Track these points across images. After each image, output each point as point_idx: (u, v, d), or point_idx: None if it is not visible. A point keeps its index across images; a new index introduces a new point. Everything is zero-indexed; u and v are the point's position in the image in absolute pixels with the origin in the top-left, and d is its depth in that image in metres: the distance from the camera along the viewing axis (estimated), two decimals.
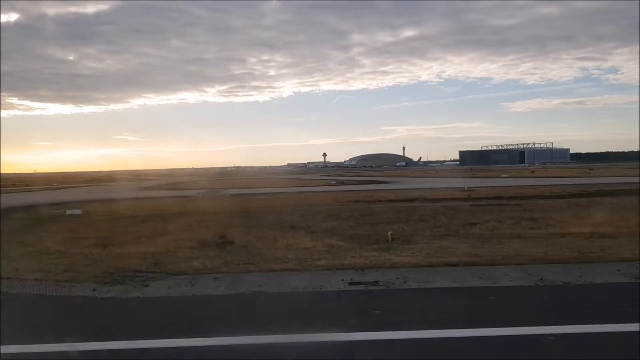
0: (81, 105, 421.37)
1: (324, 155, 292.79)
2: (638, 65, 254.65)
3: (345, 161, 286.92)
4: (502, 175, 72.01)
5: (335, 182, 62.47)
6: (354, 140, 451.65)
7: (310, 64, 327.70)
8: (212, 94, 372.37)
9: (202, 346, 6.12)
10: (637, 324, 6.35)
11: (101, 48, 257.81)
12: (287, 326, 6.88)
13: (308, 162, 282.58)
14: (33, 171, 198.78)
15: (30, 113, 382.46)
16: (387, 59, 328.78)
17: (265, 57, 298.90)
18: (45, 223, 22.14)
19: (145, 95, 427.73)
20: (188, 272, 10.78)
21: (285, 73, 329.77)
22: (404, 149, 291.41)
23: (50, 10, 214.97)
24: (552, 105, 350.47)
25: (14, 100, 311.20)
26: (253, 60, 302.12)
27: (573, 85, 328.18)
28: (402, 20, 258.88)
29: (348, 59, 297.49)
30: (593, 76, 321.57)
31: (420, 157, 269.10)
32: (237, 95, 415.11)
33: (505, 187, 43.09)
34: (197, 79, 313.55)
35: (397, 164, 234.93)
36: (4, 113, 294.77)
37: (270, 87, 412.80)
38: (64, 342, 6.22)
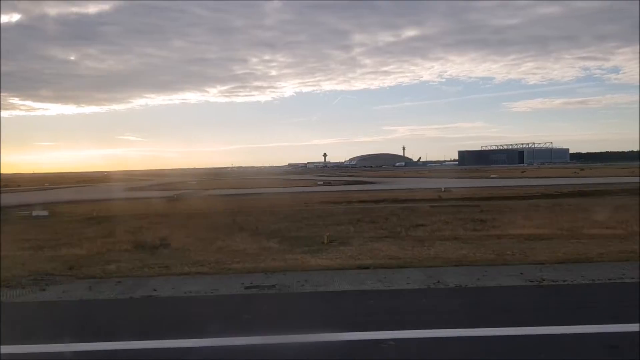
0: (83, 105, 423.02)
1: (324, 155, 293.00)
2: (639, 65, 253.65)
3: (345, 161, 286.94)
4: (491, 176, 71.82)
5: (322, 183, 62.49)
6: (356, 140, 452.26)
7: (311, 64, 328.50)
8: (213, 94, 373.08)
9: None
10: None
11: (103, 48, 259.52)
12: (149, 332, 6.85)
13: (308, 162, 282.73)
14: (32, 171, 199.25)
15: (32, 113, 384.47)
16: (389, 58, 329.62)
17: (266, 57, 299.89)
18: (4, 225, 22.18)
19: (147, 96, 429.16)
20: (97, 275, 10.78)
21: (286, 73, 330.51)
22: (403, 149, 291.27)
23: (52, 10, 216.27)
24: (554, 105, 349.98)
25: (15, 100, 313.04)
26: (254, 60, 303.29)
27: (575, 85, 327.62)
28: (403, 20, 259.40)
29: (349, 59, 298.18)
30: (595, 76, 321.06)
31: (420, 157, 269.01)
32: (239, 96, 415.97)
33: (485, 187, 43.00)
34: (198, 79, 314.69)
35: (397, 164, 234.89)
36: (6, 113, 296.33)
37: (272, 87, 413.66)
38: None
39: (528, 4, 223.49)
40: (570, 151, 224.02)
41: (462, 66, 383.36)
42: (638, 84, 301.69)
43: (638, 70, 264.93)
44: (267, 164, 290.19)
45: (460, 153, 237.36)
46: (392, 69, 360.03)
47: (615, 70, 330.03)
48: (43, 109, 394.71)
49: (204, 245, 14.76)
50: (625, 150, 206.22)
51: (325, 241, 14.81)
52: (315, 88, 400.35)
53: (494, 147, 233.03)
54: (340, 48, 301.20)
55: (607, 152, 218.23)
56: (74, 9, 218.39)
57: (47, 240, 16.56)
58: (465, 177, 73.10)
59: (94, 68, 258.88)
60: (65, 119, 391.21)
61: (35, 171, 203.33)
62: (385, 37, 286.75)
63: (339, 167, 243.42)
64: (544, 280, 9.27)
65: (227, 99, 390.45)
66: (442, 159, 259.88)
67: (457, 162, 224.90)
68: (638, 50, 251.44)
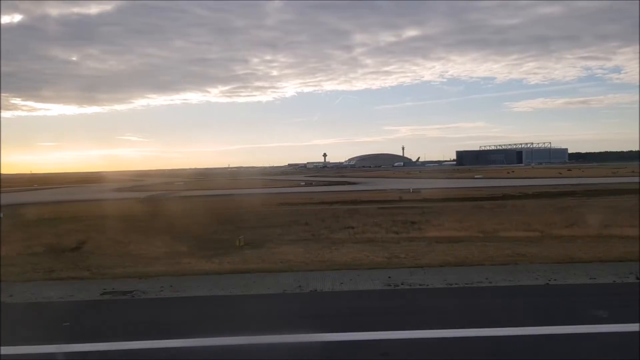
0: (84, 105, 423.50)
1: (324, 155, 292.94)
2: (638, 65, 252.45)
3: (344, 161, 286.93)
4: (476, 176, 71.51)
5: (304, 184, 62.45)
6: (357, 140, 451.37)
7: (312, 64, 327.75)
8: (215, 94, 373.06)
9: None
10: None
11: (104, 49, 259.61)
12: None
13: (308, 163, 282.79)
14: (29, 172, 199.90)
15: (33, 114, 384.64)
16: (390, 58, 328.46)
17: (267, 57, 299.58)
18: None
19: (148, 96, 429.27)
20: None
21: (287, 73, 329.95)
22: (403, 149, 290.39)
23: (53, 11, 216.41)
24: (556, 104, 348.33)
25: (17, 101, 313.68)
26: (256, 60, 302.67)
27: (576, 84, 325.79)
28: (403, 20, 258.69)
29: (351, 59, 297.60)
30: (596, 75, 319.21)
31: (418, 158, 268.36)
32: (240, 96, 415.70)
33: (455, 188, 42.89)
34: (200, 79, 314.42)
35: (395, 164, 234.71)
36: (8, 114, 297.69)
37: (273, 87, 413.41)
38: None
39: (529, 3, 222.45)
40: (571, 151, 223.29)
41: (463, 66, 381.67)
42: (638, 83, 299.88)
43: (639, 70, 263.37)
44: (267, 164, 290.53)
45: (459, 153, 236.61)
46: (394, 69, 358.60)
47: (617, 70, 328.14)
48: (45, 109, 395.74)
49: (114, 249, 14.75)
50: (625, 150, 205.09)
51: (238, 244, 14.80)
52: (316, 88, 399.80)
53: (493, 147, 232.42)
54: (341, 48, 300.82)
55: (606, 152, 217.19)
56: (75, 10, 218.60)
57: None
58: (450, 177, 72.88)
59: (95, 68, 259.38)
60: (66, 120, 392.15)
61: (33, 171, 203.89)
62: (387, 37, 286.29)
63: (338, 167, 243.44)
64: (397, 285, 9.23)
65: (228, 99, 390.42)
66: (442, 159, 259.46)
67: (455, 163, 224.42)
68: (638, 50, 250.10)
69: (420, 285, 9.20)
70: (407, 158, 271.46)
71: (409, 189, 38.00)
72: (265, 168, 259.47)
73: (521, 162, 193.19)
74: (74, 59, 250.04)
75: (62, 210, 29.04)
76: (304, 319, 7.46)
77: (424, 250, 12.90)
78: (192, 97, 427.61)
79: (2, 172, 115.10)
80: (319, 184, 63.72)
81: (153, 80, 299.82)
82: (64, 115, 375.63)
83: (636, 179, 46.85)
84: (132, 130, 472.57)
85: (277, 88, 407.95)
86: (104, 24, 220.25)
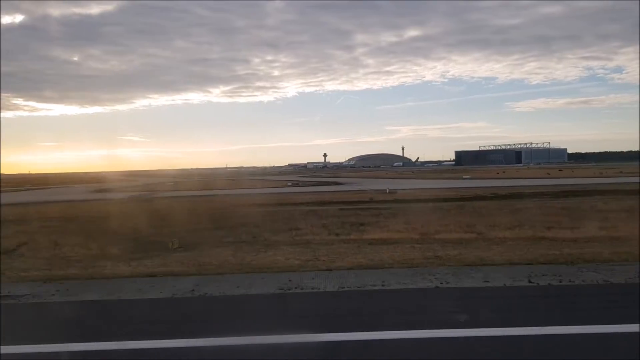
0: (86, 106, 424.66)
1: (324, 155, 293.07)
2: (638, 65, 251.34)
3: (344, 161, 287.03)
4: (464, 177, 71.26)
5: (290, 184, 62.39)
6: (358, 140, 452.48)
7: (314, 64, 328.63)
8: (216, 95, 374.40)
9: None
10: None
11: (105, 49, 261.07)
12: None
13: (308, 163, 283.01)
14: (27, 172, 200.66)
15: (35, 114, 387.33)
16: (391, 59, 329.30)
17: (269, 58, 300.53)
18: None
19: (150, 96, 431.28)
20: None
21: (289, 73, 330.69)
22: (403, 149, 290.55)
23: (55, 11, 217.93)
24: (557, 104, 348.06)
25: (19, 101, 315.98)
26: (257, 60, 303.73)
27: (578, 84, 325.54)
28: (405, 20, 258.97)
29: (352, 59, 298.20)
30: (598, 75, 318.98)
31: (418, 158, 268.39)
32: (242, 96, 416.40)
33: (433, 189, 42.70)
34: (201, 79, 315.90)
35: (395, 164, 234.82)
36: (10, 114, 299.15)
37: (275, 87, 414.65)
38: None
39: (530, 3, 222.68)
40: (572, 151, 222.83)
41: (464, 66, 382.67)
42: (638, 83, 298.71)
43: (638, 70, 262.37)
44: (268, 164, 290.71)
45: (458, 153, 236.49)
46: (395, 69, 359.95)
47: (619, 69, 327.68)
48: (46, 109, 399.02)
49: (46, 251, 14.68)
50: (625, 150, 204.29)
51: (171, 247, 14.72)
52: (317, 88, 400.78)
53: (492, 147, 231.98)
54: (342, 48, 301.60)
55: (606, 152, 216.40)
56: (77, 10, 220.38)
57: None
58: (439, 178, 72.63)
59: (96, 68, 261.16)
60: (68, 120, 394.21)
61: (32, 171, 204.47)
62: (388, 37, 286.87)
63: (338, 167, 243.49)
64: (290, 289, 9.11)
65: (229, 99, 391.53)
66: (443, 158, 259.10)
67: (453, 162, 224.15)
68: (638, 50, 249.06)
69: (312, 289, 9.07)
70: (407, 158, 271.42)
71: (386, 190, 37.84)
72: (265, 168, 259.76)
73: (520, 162, 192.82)
74: (76, 59, 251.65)
75: (30, 212, 29.04)
76: (166, 324, 7.35)
77: (349, 253, 12.77)
78: (194, 97, 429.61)
79: (2, 173, 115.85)
80: (305, 184, 63.61)
81: (154, 81, 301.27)
82: (65, 116, 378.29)
83: (619, 180, 46.67)
84: (134, 130, 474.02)
85: (278, 88, 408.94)
86: (105, 24, 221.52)
